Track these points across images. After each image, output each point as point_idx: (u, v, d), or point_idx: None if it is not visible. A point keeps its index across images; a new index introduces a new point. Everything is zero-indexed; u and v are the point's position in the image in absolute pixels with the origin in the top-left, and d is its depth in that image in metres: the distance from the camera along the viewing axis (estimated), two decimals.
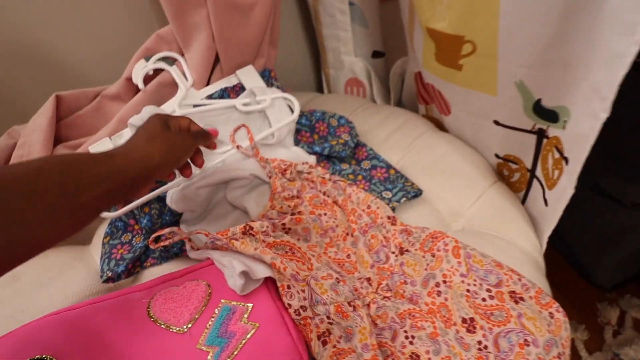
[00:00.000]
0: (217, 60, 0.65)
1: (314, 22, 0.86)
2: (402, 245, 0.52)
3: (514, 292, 0.45)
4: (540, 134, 0.54)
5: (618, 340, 0.84)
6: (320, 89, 1.04)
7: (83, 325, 0.33)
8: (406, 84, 0.86)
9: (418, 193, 0.59)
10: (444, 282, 0.47)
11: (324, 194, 0.57)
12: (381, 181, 0.61)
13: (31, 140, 0.57)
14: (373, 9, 0.81)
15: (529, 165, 0.60)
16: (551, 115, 0.50)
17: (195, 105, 0.61)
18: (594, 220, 0.77)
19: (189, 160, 0.48)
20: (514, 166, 0.63)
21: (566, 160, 0.48)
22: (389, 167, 0.63)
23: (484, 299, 0.45)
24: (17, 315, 0.46)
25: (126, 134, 0.58)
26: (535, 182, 0.60)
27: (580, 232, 0.79)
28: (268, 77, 0.68)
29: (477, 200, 0.60)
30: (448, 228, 0.58)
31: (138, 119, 0.57)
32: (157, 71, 0.63)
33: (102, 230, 0.59)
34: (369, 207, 0.55)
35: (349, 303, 0.44)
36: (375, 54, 0.88)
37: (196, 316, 0.33)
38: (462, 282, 0.47)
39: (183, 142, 0.42)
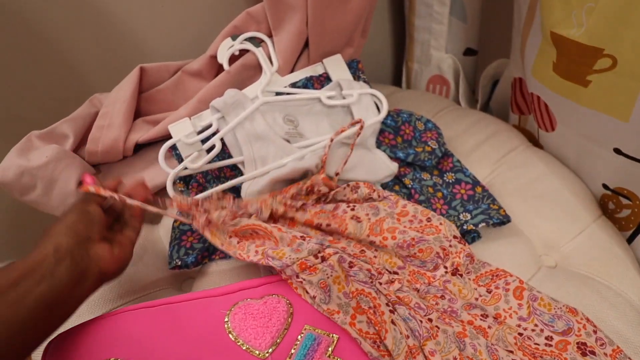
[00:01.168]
0: (304, 46, 0.61)
1: (406, 11, 0.79)
2: (459, 267, 0.45)
3: (584, 344, 0.37)
4: None
5: None
6: (396, 82, 0.98)
7: (160, 328, 0.32)
8: (499, 89, 0.78)
9: (504, 220, 0.51)
10: (495, 318, 0.41)
11: (352, 209, 0.49)
12: (464, 201, 0.55)
13: (113, 111, 0.57)
14: (476, 3, 0.73)
15: None
16: None
17: (277, 93, 0.58)
18: None
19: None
20: (624, 201, 0.55)
21: None
22: (476, 183, 0.57)
23: (537, 344, 0.38)
24: None
25: (206, 116, 0.56)
26: None
27: None
28: (355, 69, 0.63)
29: (578, 235, 0.52)
30: (538, 262, 0.51)
31: (220, 102, 0.54)
32: (242, 51, 0.60)
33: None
34: (429, 219, 0.49)
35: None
36: (468, 52, 0.80)
37: (278, 340, 0.30)
38: (518, 325, 0.40)
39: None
